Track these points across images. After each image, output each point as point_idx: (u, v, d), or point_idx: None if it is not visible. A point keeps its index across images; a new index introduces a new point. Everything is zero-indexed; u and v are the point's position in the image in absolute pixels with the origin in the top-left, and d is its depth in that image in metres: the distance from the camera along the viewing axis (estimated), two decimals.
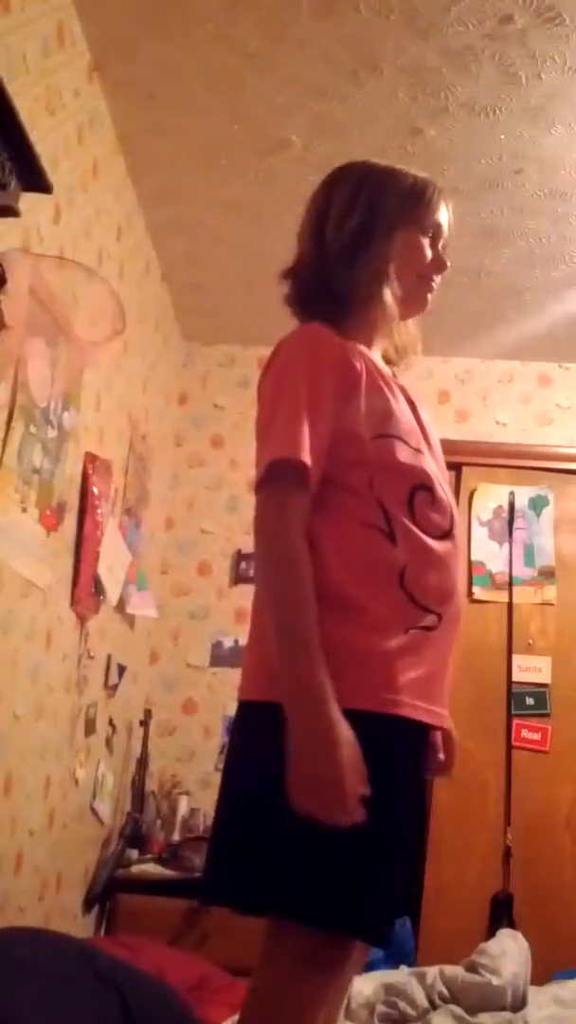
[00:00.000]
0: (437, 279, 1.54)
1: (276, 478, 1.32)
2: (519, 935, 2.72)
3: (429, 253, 1.51)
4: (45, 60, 2.17)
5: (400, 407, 1.45)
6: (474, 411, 3.98)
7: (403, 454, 1.40)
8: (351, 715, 1.24)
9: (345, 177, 1.52)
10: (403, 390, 1.51)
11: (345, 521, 1.36)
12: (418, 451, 1.42)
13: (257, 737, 1.32)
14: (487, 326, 3.74)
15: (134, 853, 3.18)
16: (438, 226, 1.52)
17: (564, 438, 3.92)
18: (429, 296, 1.54)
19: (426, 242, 1.50)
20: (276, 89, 2.56)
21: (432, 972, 2.53)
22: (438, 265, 1.52)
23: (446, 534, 1.41)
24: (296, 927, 1.24)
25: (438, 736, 1.48)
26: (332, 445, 1.36)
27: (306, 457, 1.31)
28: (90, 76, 2.50)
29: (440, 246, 1.53)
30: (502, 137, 2.69)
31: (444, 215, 1.53)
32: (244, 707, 1.39)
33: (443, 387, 3.99)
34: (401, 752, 1.32)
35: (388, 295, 1.47)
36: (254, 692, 1.36)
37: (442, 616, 1.37)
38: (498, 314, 3.65)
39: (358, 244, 1.45)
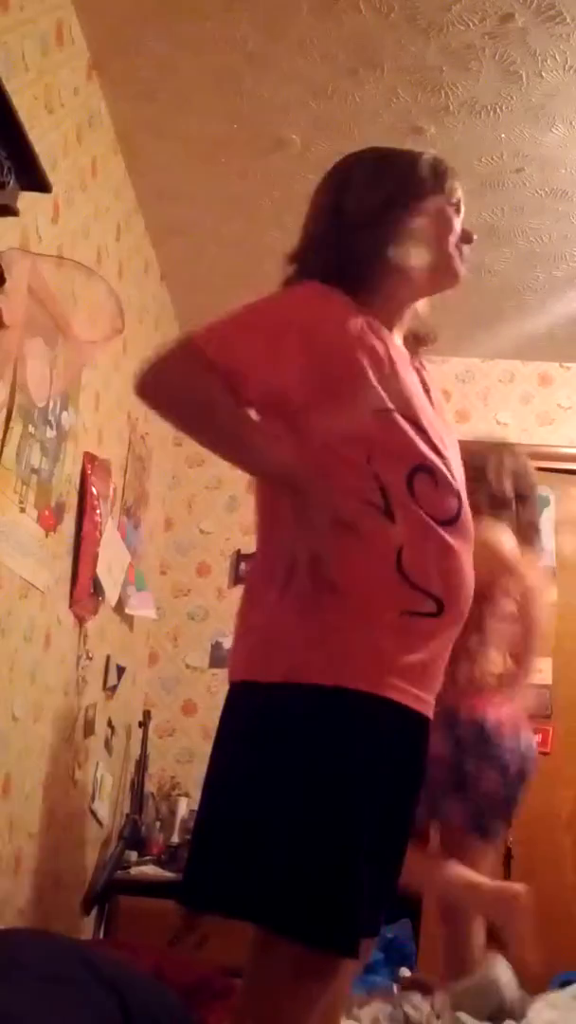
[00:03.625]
0: (467, 251, 1.49)
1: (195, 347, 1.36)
2: (505, 962, 2.67)
3: (458, 224, 1.48)
4: (44, 59, 2.16)
5: (409, 384, 1.39)
6: (475, 411, 3.98)
7: (405, 432, 1.35)
8: (339, 693, 1.23)
9: (362, 158, 1.50)
10: (418, 371, 1.46)
11: (341, 497, 1.32)
12: (422, 431, 1.37)
13: (249, 725, 1.27)
14: (488, 325, 3.73)
15: (133, 855, 3.17)
16: (459, 201, 1.49)
17: (565, 438, 3.91)
18: (461, 268, 1.48)
19: (453, 212, 1.47)
20: (276, 88, 2.55)
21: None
22: (466, 236, 1.48)
23: (453, 519, 1.36)
24: (279, 939, 1.21)
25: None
26: (329, 412, 1.34)
27: (210, 342, 1.34)
28: (89, 75, 2.49)
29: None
30: (503, 136, 2.68)
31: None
32: (251, 688, 1.29)
33: (443, 387, 3.96)
34: (386, 735, 1.27)
35: (417, 265, 1.43)
36: (250, 672, 1.30)
37: (444, 603, 1.31)
38: (499, 313, 3.64)
39: (386, 212, 1.42)
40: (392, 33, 2.34)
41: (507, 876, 3.41)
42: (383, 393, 1.35)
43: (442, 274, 1.47)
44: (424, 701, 1.32)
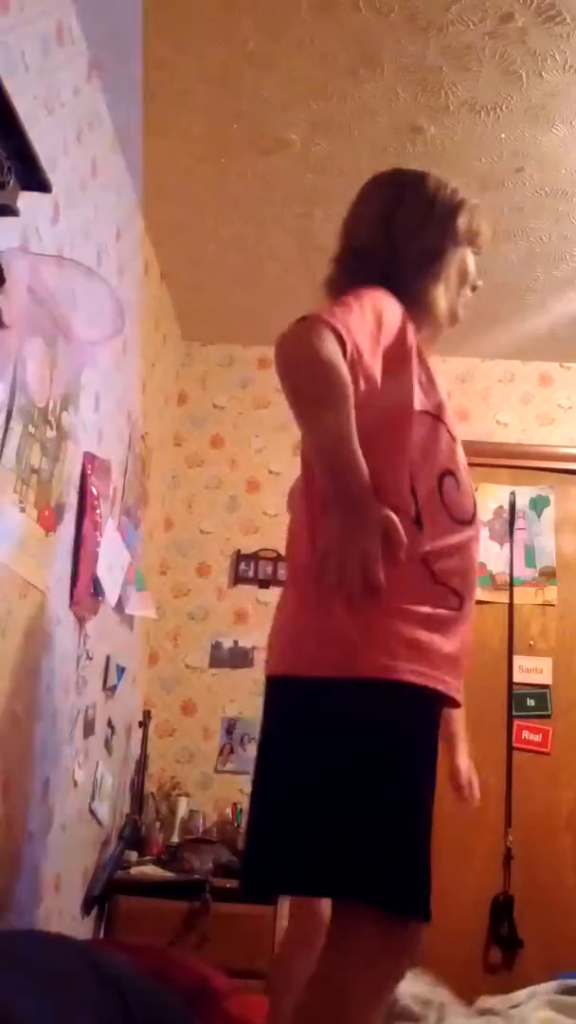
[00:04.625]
0: (470, 295, 1.72)
1: (317, 322, 1.36)
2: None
3: (473, 273, 1.70)
4: (44, 59, 2.16)
5: (443, 393, 1.58)
6: (475, 411, 3.98)
7: (444, 438, 1.52)
8: (388, 685, 1.35)
9: (415, 183, 1.68)
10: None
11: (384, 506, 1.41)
12: (453, 438, 1.55)
13: (315, 717, 1.37)
14: (488, 326, 3.73)
15: (133, 855, 3.17)
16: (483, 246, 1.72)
17: (565, 438, 3.91)
18: (462, 315, 1.72)
19: (473, 262, 1.69)
20: (276, 88, 2.55)
21: None
22: (475, 286, 1.71)
23: (471, 520, 1.52)
24: (367, 911, 1.31)
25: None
26: (380, 411, 1.44)
27: (342, 325, 1.36)
28: (89, 75, 2.49)
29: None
30: (503, 136, 2.68)
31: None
32: (305, 683, 1.40)
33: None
34: (435, 722, 1.43)
35: (445, 304, 1.66)
36: (310, 667, 1.39)
37: (463, 598, 1.47)
38: (499, 314, 3.64)
39: (432, 256, 1.63)
40: (392, 33, 2.34)
41: (507, 877, 3.42)
42: (426, 398, 1.51)
43: (448, 316, 1.69)
44: (459, 690, 1.47)
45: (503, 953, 3.33)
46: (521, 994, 2.64)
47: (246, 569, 3.80)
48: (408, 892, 1.32)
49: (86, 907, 2.90)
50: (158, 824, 3.36)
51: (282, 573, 3.59)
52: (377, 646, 1.37)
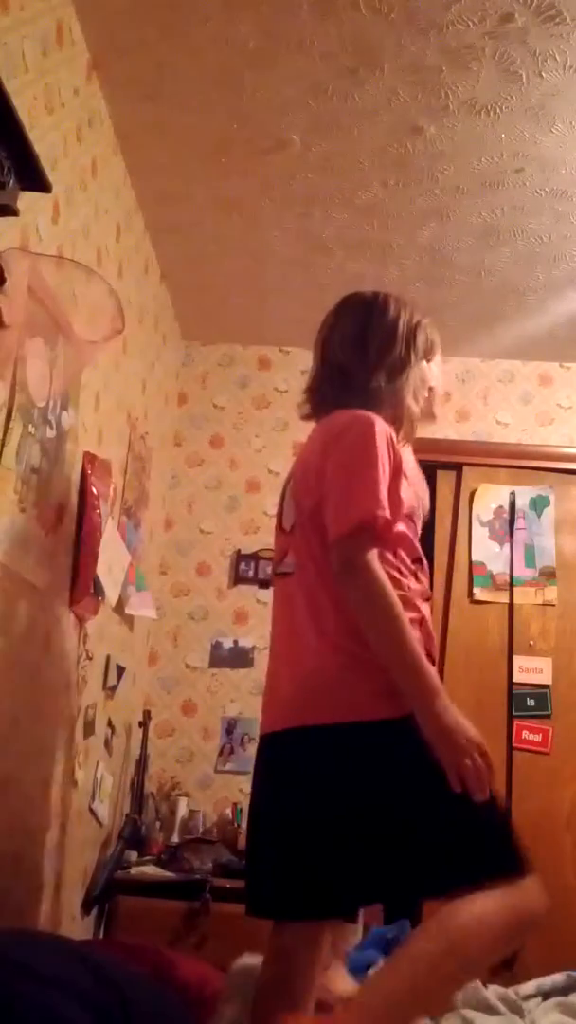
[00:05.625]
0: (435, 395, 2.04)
1: (363, 532, 1.67)
2: None
3: (429, 376, 1.98)
4: (44, 59, 2.16)
5: (415, 489, 1.85)
6: (475, 411, 3.98)
7: (414, 533, 1.82)
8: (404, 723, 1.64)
9: (381, 307, 1.95)
10: None
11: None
12: (419, 530, 1.85)
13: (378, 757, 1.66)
14: (488, 325, 3.73)
15: (133, 855, 3.17)
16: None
17: (565, 438, 3.91)
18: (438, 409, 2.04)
19: (431, 370, 1.98)
20: (276, 88, 2.55)
21: None
22: (431, 385, 1.99)
23: (430, 597, 1.86)
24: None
25: None
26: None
27: (384, 512, 1.70)
28: (89, 75, 2.49)
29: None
30: (503, 136, 2.68)
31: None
32: (349, 729, 1.66)
33: (443, 387, 3.98)
34: None
35: (416, 408, 1.93)
36: (361, 712, 1.66)
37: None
38: (499, 313, 3.64)
39: (400, 370, 1.91)
40: (392, 33, 2.34)
41: None
42: (409, 500, 1.80)
43: (422, 416, 1.96)
44: None
45: None
46: (530, 986, 2.64)
47: (246, 569, 3.80)
48: (506, 859, 1.67)
49: (86, 907, 2.90)
50: (158, 824, 3.36)
51: None
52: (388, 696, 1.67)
